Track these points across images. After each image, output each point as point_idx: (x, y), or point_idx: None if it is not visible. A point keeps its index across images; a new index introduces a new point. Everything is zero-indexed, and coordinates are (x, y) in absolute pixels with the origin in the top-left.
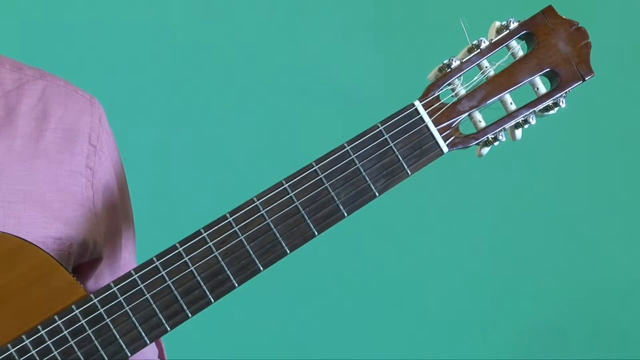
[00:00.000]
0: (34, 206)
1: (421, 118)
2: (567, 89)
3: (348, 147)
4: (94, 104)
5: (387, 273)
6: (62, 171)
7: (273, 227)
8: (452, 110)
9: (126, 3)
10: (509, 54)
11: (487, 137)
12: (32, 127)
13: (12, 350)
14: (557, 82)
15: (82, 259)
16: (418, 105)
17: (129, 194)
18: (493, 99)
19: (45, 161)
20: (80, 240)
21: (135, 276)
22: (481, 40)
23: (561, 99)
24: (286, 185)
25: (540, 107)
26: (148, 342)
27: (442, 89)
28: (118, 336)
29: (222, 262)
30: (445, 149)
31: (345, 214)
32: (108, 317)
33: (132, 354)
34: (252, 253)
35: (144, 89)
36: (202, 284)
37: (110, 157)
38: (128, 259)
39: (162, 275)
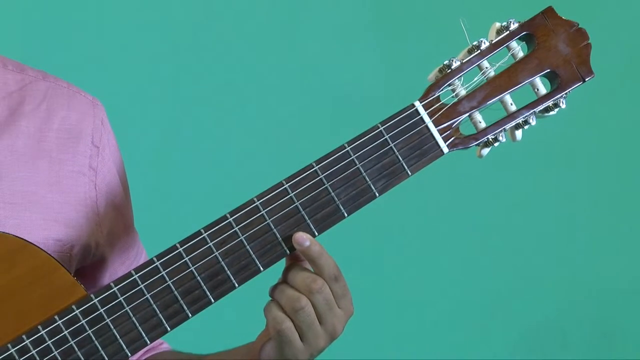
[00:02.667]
0: (35, 207)
1: (421, 118)
2: (568, 90)
3: (348, 148)
4: (96, 105)
5: (387, 273)
6: (64, 172)
7: (273, 227)
8: (453, 111)
9: (127, 4)
10: (509, 54)
11: (488, 138)
12: (35, 128)
13: (12, 350)
14: (557, 83)
15: (84, 261)
16: (418, 105)
17: (130, 194)
18: (493, 99)
19: (48, 162)
20: (81, 241)
21: (136, 276)
22: (481, 41)
23: (561, 100)
24: (286, 186)
25: (541, 107)
26: (148, 342)
27: (442, 90)
28: (118, 336)
29: (223, 263)
30: (445, 150)
31: (346, 215)
32: (108, 317)
33: (132, 354)
34: (252, 253)
35: (144, 89)
36: (202, 284)
37: (113, 157)
38: (140, 253)
39: (162, 275)
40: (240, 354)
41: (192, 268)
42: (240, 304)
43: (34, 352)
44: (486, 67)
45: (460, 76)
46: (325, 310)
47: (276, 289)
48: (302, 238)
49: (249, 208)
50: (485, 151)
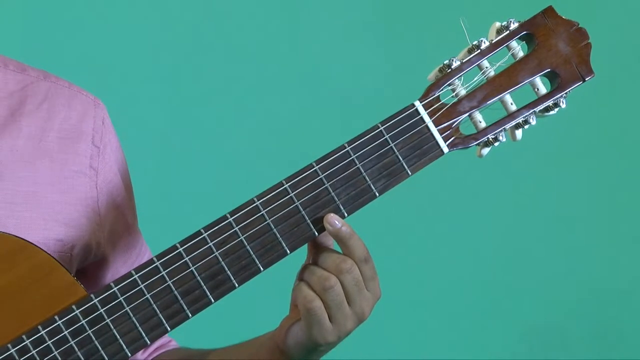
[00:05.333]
0: (36, 207)
1: (421, 118)
2: (568, 90)
3: (348, 148)
4: (98, 104)
5: (387, 273)
6: (65, 172)
7: (273, 227)
8: (453, 111)
9: (127, 3)
10: (509, 54)
11: (488, 138)
12: (36, 128)
13: (13, 351)
14: (557, 83)
15: (85, 261)
16: (418, 105)
17: (133, 193)
18: (493, 99)
19: (48, 162)
20: (82, 241)
21: (136, 276)
22: (481, 40)
23: (561, 100)
24: (286, 186)
25: (541, 107)
26: (148, 342)
27: (442, 90)
28: (118, 336)
29: (223, 263)
30: (445, 150)
31: (346, 214)
32: (108, 317)
33: (132, 354)
34: (252, 253)
35: (145, 89)
36: (202, 284)
37: (114, 157)
38: (143, 252)
39: (163, 275)
40: (261, 341)
41: (192, 268)
42: (241, 304)
43: (34, 352)
44: (486, 67)
45: (460, 76)
46: (355, 291)
47: (305, 270)
48: (333, 219)
49: (249, 208)
50: (486, 151)
